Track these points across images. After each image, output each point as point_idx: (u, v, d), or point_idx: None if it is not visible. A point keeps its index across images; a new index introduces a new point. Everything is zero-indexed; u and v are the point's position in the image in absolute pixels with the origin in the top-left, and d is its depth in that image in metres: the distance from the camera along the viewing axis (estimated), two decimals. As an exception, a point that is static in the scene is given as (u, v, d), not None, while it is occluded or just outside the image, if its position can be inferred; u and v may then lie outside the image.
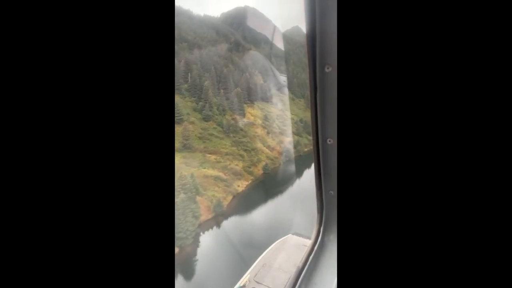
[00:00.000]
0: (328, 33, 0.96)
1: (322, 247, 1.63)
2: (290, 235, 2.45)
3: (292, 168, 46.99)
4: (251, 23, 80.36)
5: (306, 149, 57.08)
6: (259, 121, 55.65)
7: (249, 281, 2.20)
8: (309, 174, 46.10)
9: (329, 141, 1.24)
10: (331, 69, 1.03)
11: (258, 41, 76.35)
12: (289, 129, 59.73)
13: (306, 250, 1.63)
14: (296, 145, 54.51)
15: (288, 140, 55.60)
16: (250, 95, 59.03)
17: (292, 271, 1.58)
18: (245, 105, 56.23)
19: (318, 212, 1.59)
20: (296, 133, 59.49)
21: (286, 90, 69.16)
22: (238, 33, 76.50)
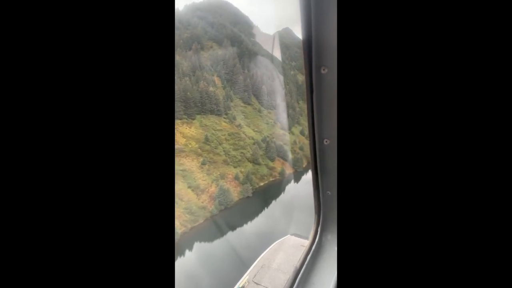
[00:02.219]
0: (324, 35, 0.95)
1: (320, 247, 1.62)
2: (289, 235, 2.70)
3: (225, 223, 29.36)
4: (218, 18, 63.84)
5: (262, 183, 39.91)
6: (194, 145, 38.39)
7: (248, 282, 2.33)
8: (257, 228, 28.36)
9: (326, 141, 1.21)
10: (327, 71, 1.02)
11: (221, 39, 59.42)
12: (242, 155, 42.21)
13: (304, 250, 1.60)
14: (246, 180, 37.11)
15: (236, 173, 38.05)
16: (188, 108, 41.67)
17: (291, 271, 1.54)
18: (176, 122, 39.12)
19: (315, 213, 1.56)
20: (252, 159, 42.11)
21: (255, 98, 52.92)
22: (197, 29, 59.58)
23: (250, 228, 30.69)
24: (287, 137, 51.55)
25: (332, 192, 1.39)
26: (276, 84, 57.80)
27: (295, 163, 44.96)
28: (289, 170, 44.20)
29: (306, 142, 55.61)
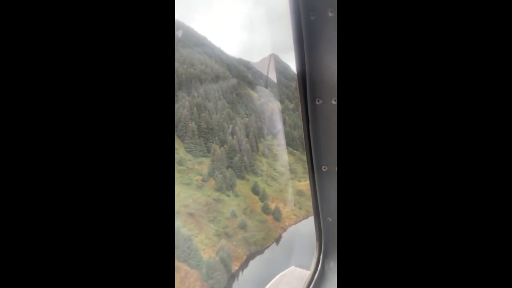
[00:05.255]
0: (318, 68, 1.01)
1: (322, 275, 1.55)
2: (292, 267, 2.18)
3: None
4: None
5: None
6: None
7: None
8: None
9: (324, 168, 1.24)
10: (322, 102, 1.08)
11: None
12: None
13: (306, 279, 1.55)
14: None
15: None
16: None
17: None
18: None
19: (317, 240, 1.52)
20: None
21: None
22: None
23: None
24: (220, 206, 29.50)
25: (332, 219, 1.37)
26: (216, 120, 37.37)
27: (212, 272, 22.21)
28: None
29: (258, 209, 33.90)
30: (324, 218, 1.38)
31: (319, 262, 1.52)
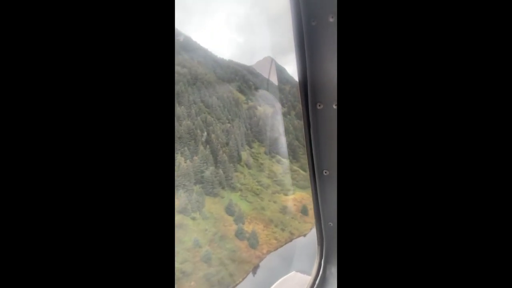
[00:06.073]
0: (319, 74, 1.03)
1: (323, 281, 1.54)
2: (293, 272, 2.11)
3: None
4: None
5: None
6: None
7: None
8: None
9: (325, 172, 1.26)
10: (323, 106, 1.10)
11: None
12: None
13: (307, 285, 1.53)
14: None
15: None
16: None
17: None
18: None
19: (318, 244, 1.51)
20: None
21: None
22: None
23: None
24: (181, 233, 23.73)
25: (334, 223, 1.36)
26: (187, 127, 31.89)
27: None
28: None
29: (230, 234, 28.11)
30: (325, 223, 1.37)
31: (320, 267, 1.50)
